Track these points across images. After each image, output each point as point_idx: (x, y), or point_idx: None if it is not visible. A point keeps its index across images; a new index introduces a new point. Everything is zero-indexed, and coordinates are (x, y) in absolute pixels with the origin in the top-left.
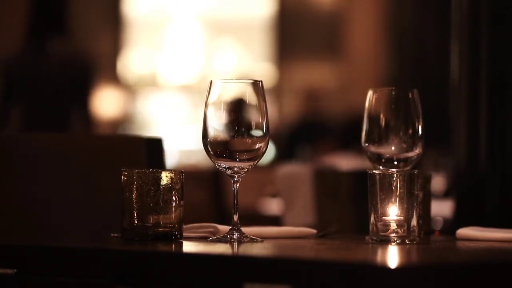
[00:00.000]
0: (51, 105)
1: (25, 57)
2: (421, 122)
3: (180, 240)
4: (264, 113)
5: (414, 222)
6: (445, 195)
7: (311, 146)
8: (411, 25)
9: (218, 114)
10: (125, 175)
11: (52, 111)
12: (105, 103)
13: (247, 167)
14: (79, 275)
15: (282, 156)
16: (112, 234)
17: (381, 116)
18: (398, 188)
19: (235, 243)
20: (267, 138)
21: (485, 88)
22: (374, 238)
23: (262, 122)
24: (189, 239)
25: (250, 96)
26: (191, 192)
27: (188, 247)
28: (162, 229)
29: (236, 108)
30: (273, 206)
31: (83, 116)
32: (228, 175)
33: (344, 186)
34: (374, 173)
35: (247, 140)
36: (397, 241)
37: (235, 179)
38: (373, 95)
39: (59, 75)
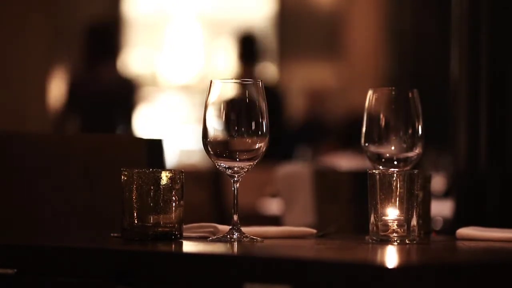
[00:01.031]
0: (103, 114)
1: (84, 77)
2: (421, 122)
3: (180, 240)
4: (264, 113)
5: (414, 222)
6: (445, 195)
7: (311, 146)
8: (411, 25)
9: (218, 114)
10: (125, 175)
11: (104, 119)
12: None
13: (247, 167)
14: (79, 275)
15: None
16: (112, 234)
17: (381, 116)
18: (398, 188)
19: (235, 243)
20: (267, 138)
21: (485, 88)
22: (374, 238)
23: (262, 122)
24: (189, 239)
25: (250, 96)
26: (191, 192)
27: (188, 247)
28: (162, 229)
29: (236, 108)
30: (273, 206)
31: (129, 122)
32: (228, 175)
33: (344, 186)
34: (374, 173)
35: (247, 140)
36: (397, 241)
37: (235, 179)
38: (373, 95)
39: (110, 92)
